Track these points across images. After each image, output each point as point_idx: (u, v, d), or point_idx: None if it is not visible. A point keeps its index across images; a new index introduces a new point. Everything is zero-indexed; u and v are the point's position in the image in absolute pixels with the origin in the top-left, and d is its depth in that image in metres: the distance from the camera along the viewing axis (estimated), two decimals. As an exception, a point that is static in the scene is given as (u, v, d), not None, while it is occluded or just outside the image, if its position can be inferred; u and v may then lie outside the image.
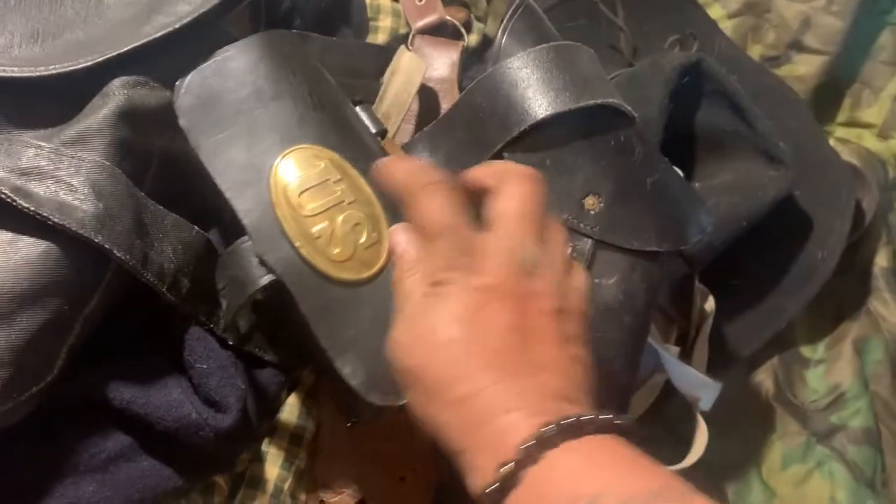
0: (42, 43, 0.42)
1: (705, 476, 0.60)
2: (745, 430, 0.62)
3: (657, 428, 0.59)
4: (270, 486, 0.47)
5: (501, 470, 0.31)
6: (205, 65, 0.43)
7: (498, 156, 0.48)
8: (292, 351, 0.49)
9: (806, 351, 0.65)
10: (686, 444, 0.56)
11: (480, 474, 0.32)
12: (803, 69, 0.74)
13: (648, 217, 0.49)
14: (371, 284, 0.43)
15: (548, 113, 0.47)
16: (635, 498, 0.29)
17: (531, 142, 0.48)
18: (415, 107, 0.54)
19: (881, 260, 0.68)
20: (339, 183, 0.44)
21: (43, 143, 0.40)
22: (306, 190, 0.43)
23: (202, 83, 0.43)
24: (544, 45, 0.50)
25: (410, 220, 0.38)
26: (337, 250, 0.43)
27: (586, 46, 0.52)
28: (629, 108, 0.50)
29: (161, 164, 0.45)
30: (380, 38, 0.59)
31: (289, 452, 0.48)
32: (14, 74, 0.41)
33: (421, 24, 0.59)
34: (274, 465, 0.47)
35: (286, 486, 0.47)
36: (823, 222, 0.64)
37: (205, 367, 0.44)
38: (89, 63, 0.42)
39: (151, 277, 0.41)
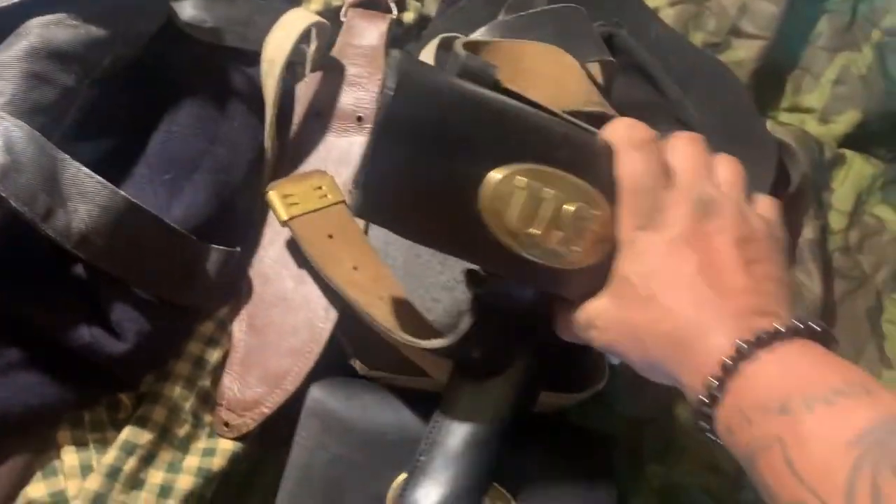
0: (-31, -12, 0.46)
1: (620, 428, 0.59)
2: (662, 385, 0.61)
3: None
4: (169, 403, 0.48)
5: (707, 384, 0.35)
6: None
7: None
8: (210, 296, 0.50)
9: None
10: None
11: (692, 393, 0.36)
12: (742, 54, 0.74)
13: None
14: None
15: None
16: (818, 396, 0.32)
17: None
18: (309, 51, 0.57)
19: (808, 233, 0.67)
20: (544, 189, 0.39)
21: None
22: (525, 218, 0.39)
23: None
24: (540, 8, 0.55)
25: (617, 170, 0.40)
26: (577, 248, 0.40)
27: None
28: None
29: (91, 93, 0.47)
30: (313, 7, 0.62)
31: (192, 374, 0.50)
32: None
33: (353, -2, 0.62)
34: (175, 384, 0.49)
35: (187, 404, 0.49)
36: (742, 192, 0.64)
37: (110, 298, 0.46)
38: (7, 3, 0.45)
39: (52, 232, 0.42)
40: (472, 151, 0.38)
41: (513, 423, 0.50)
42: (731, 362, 0.35)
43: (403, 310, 0.52)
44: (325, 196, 0.54)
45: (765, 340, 0.35)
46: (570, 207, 0.39)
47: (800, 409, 0.32)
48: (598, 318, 0.40)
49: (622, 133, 0.40)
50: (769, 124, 0.73)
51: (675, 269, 0.38)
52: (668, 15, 0.75)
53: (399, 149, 0.37)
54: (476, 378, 0.48)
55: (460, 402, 0.49)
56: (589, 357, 0.57)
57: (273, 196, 0.53)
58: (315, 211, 0.54)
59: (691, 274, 0.37)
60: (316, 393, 0.51)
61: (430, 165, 0.37)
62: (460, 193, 0.38)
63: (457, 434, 0.49)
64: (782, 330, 0.35)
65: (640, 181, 0.39)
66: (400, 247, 0.56)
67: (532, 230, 0.39)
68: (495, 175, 0.38)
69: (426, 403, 0.53)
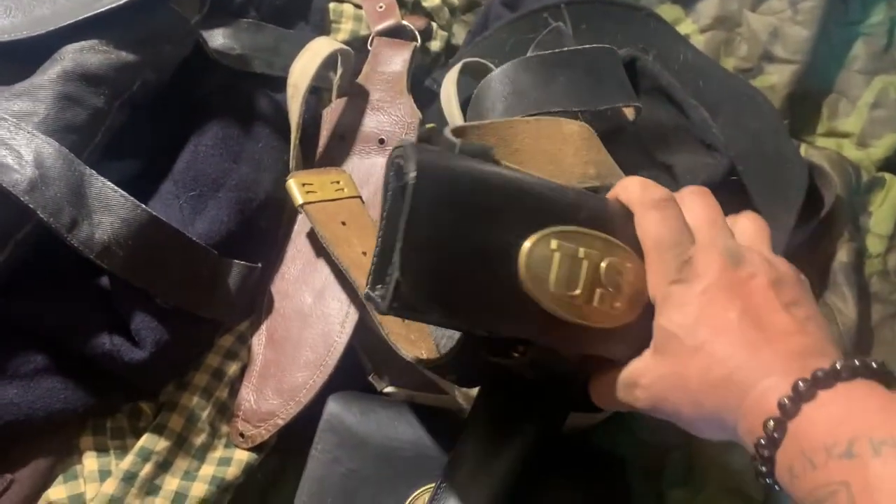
0: (12, 17, 0.49)
1: (641, 453, 0.58)
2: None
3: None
4: (187, 412, 0.49)
5: (766, 426, 0.33)
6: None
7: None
8: (230, 310, 0.52)
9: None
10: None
11: (750, 437, 0.35)
12: (775, 79, 0.73)
13: None
14: None
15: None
16: (885, 439, 0.31)
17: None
18: (335, 78, 0.58)
19: (842, 256, 0.65)
20: (577, 248, 0.39)
21: (7, 116, 0.45)
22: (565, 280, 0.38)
23: None
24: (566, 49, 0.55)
25: (640, 231, 0.40)
26: (618, 304, 0.40)
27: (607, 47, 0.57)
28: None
29: (120, 115, 0.49)
30: (339, 37, 0.63)
31: (209, 385, 0.50)
32: (-18, 41, 0.48)
33: (380, 27, 0.64)
34: (193, 394, 0.50)
35: (204, 414, 0.50)
36: (771, 216, 0.62)
37: (131, 307, 0.48)
38: (44, 31, 0.47)
39: (76, 242, 0.44)
40: (499, 225, 0.37)
41: (537, 447, 0.49)
42: (790, 402, 0.33)
43: None
44: (342, 189, 0.56)
45: (824, 380, 0.33)
46: (604, 263, 0.39)
47: (867, 452, 0.30)
48: (644, 376, 0.39)
49: (638, 194, 0.40)
50: (804, 149, 0.71)
51: (719, 315, 0.37)
52: (699, 41, 0.74)
53: (429, 233, 0.35)
54: (503, 402, 0.48)
55: (486, 423, 0.48)
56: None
57: (292, 182, 0.54)
58: (331, 200, 0.55)
59: (736, 319, 0.36)
60: (332, 407, 0.51)
61: (462, 245, 0.36)
62: (498, 269, 0.36)
63: (481, 455, 0.49)
64: (839, 368, 0.33)
65: (666, 239, 0.39)
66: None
67: (574, 292, 0.38)
68: (527, 244, 0.37)
69: (442, 420, 0.52)
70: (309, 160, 0.59)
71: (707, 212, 0.40)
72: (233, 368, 0.51)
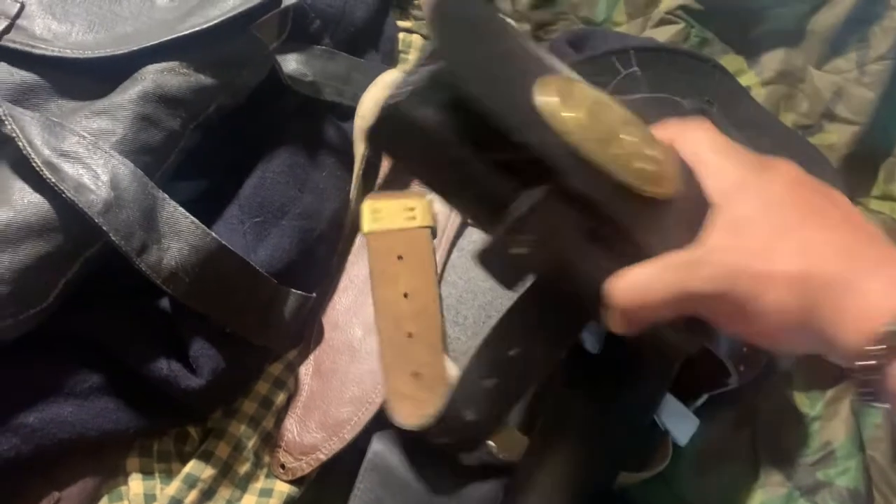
0: (96, 33, 0.48)
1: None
2: (726, 472, 0.59)
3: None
4: (234, 440, 0.49)
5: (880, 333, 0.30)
6: None
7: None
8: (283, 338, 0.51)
9: (804, 405, 0.62)
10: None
11: (854, 341, 0.31)
12: (835, 138, 0.72)
13: None
14: None
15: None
16: None
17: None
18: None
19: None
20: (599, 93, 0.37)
21: (86, 135, 0.45)
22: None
23: None
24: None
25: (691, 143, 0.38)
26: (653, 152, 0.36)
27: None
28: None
29: (194, 137, 0.49)
30: (408, 68, 0.63)
31: (257, 414, 0.50)
32: (67, 55, 0.47)
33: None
34: (241, 422, 0.49)
35: (250, 443, 0.49)
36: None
37: (190, 333, 0.47)
38: (127, 50, 0.47)
39: (144, 266, 0.44)
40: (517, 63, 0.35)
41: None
42: None
43: (416, 354, 0.51)
44: (413, 218, 0.54)
45: None
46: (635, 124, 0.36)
47: None
48: (713, 252, 0.33)
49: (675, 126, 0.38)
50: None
51: (807, 200, 0.34)
52: (760, 94, 0.73)
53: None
54: (552, 463, 0.47)
55: (533, 480, 0.48)
56: (655, 436, 0.55)
57: (365, 207, 0.54)
58: (396, 230, 0.54)
59: (828, 209, 0.34)
60: (377, 446, 0.51)
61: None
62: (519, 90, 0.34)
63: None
64: None
65: (725, 144, 0.37)
66: (472, 306, 0.56)
67: (602, 130, 0.34)
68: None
69: (485, 471, 0.52)
70: (369, 190, 0.58)
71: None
72: (280, 398, 0.51)
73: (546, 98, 0.34)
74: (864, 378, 0.31)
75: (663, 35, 0.72)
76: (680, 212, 0.36)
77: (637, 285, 0.34)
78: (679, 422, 0.55)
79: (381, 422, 0.52)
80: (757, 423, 0.60)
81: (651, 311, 0.34)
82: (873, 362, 0.30)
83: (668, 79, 0.70)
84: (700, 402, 0.58)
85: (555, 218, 0.34)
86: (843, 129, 0.71)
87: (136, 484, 0.47)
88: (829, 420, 0.60)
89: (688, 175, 0.37)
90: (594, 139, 0.34)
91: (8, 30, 0.48)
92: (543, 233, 0.34)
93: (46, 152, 0.43)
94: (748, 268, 0.33)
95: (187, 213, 0.46)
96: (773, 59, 0.73)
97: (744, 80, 0.73)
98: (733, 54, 0.74)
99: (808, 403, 0.62)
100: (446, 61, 0.34)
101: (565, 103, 0.34)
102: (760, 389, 0.60)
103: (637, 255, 0.35)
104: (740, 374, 0.54)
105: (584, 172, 0.34)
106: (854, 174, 0.72)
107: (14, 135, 0.43)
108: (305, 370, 0.53)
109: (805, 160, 0.67)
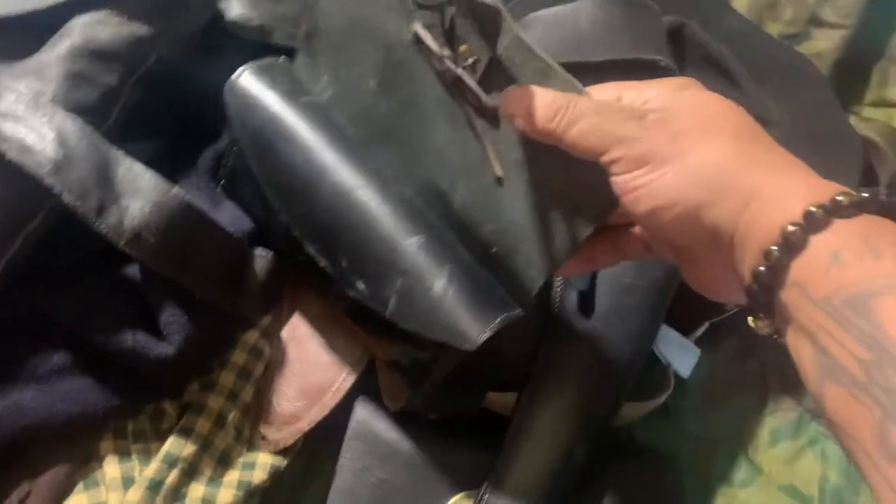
0: (19, -9, 0.44)
1: (690, 448, 0.55)
2: (734, 404, 0.56)
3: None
4: (214, 415, 0.46)
5: (808, 214, 0.29)
6: None
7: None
8: (255, 303, 0.48)
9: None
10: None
11: (758, 238, 0.30)
12: (823, 44, 0.68)
13: None
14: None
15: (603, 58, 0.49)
16: None
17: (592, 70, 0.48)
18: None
19: (898, 234, 0.61)
20: None
21: (24, 91, 0.41)
22: None
23: None
24: None
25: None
26: None
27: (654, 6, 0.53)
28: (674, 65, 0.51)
29: (135, 93, 0.46)
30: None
31: (235, 386, 0.47)
32: (-12, 14, 0.43)
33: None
34: (220, 395, 0.46)
35: (230, 416, 0.46)
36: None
37: (159, 300, 0.44)
38: (53, 3, 0.43)
39: (105, 228, 0.40)
40: None
41: (585, 448, 0.46)
42: (839, 200, 0.29)
43: None
44: None
45: (853, 205, 0.29)
46: None
47: None
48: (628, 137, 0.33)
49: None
50: (853, 120, 0.67)
51: (717, 112, 0.33)
52: (742, 5, 0.69)
53: None
54: (545, 406, 0.45)
55: (530, 429, 0.46)
56: (655, 367, 0.52)
57: None
58: None
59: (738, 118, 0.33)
60: (360, 413, 0.48)
61: None
62: None
63: (527, 463, 0.46)
64: (867, 196, 0.29)
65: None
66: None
67: None
68: None
69: (474, 426, 0.50)
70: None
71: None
72: (258, 367, 0.48)
73: None
74: (758, 298, 0.30)
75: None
76: None
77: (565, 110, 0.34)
78: (680, 353, 0.53)
79: (364, 388, 0.49)
80: (763, 351, 0.58)
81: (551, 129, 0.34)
82: (769, 268, 0.29)
83: (647, -2, 0.66)
84: (700, 331, 0.56)
85: None
86: (831, 35, 0.68)
87: (111, 468, 0.44)
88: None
89: None
90: None
91: (-78, -8, 0.44)
92: None
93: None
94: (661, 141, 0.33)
95: (147, 168, 0.42)
96: (751, -33, 0.69)
97: (724, -7, 0.69)
98: (710, -35, 0.69)
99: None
100: None
101: None
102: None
103: None
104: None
105: None
106: (845, 82, 0.68)
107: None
108: (282, 337, 0.50)
109: (793, 71, 0.65)
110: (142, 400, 0.45)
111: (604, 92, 0.35)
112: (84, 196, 0.40)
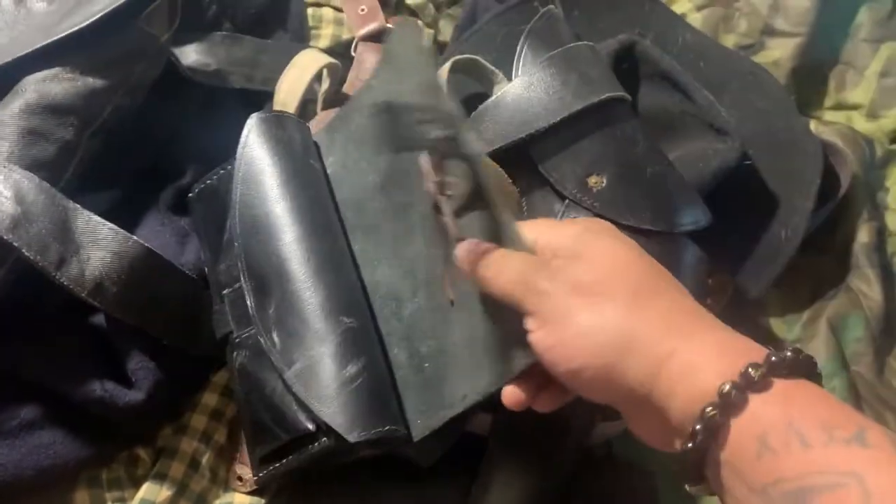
0: (-31, 49, 0.45)
1: (669, 459, 0.55)
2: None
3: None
4: (187, 458, 0.46)
5: (723, 391, 0.29)
6: None
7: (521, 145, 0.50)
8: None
9: (780, 331, 0.59)
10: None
11: (683, 406, 0.31)
12: (778, 53, 0.69)
13: (645, 200, 0.50)
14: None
15: (558, 118, 0.50)
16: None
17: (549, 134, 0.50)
18: (320, 90, 0.54)
19: (862, 237, 0.62)
20: None
21: None
22: None
23: None
24: (553, 52, 0.53)
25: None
26: None
27: (588, 44, 0.55)
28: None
29: (92, 145, 0.46)
30: (321, 44, 0.60)
31: (208, 427, 0.47)
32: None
33: (363, 31, 0.60)
34: (192, 438, 0.47)
35: (204, 459, 0.47)
36: (788, 201, 0.59)
37: (126, 347, 0.45)
38: (3, 63, 0.44)
39: (66, 280, 0.41)
40: None
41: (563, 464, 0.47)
42: (762, 368, 0.29)
43: None
44: None
45: (777, 365, 0.29)
46: None
47: (887, 446, 0.27)
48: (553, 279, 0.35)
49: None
50: (813, 125, 0.67)
51: (642, 271, 0.35)
52: (696, 19, 0.70)
53: None
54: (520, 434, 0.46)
55: (509, 444, 0.47)
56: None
57: None
58: None
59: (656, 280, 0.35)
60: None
61: None
62: None
63: (505, 489, 0.46)
64: (779, 361, 0.29)
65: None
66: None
67: None
68: None
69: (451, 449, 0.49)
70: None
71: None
72: (230, 408, 0.48)
73: None
74: (689, 472, 0.31)
75: (587, -29, 0.69)
76: None
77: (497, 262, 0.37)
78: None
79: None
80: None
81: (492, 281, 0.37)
82: (714, 418, 0.29)
83: (597, 16, 0.67)
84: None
85: None
86: (786, 43, 0.69)
87: (87, 518, 0.44)
88: (808, 341, 0.58)
89: None
90: None
91: None
92: None
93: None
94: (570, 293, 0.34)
95: (104, 221, 0.43)
96: (704, -18, 0.71)
97: (677, 8, 0.70)
98: (663, -18, 0.71)
99: (784, 328, 0.59)
100: None
101: None
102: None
103: None
104: (707, 307, 0.52)
105: None
106: (804, 88, 0.69)
107: None
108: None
109: (749, 81, 0.66)
110: (114, 448, 0.45)
111: (525, 231, 0.37)
112: (44, 250, 0.41)
